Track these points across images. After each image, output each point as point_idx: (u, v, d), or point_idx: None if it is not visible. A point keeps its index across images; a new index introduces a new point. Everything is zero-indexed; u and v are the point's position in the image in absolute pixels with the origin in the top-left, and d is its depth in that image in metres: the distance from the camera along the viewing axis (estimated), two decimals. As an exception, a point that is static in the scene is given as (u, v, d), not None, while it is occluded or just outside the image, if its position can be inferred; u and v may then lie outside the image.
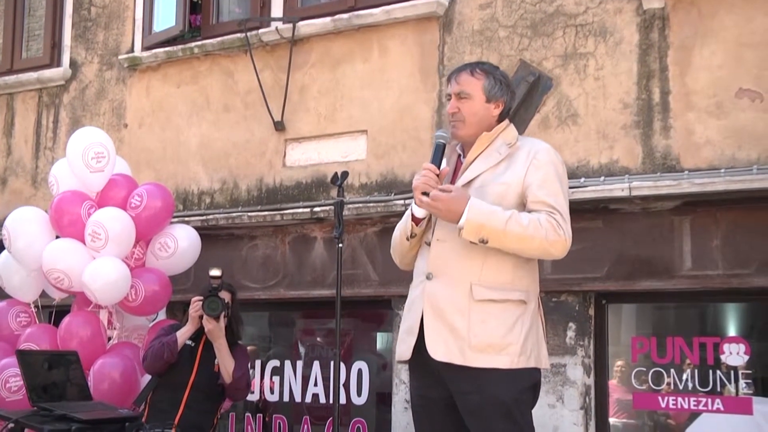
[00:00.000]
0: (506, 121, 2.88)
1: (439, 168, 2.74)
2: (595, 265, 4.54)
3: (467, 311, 2.65)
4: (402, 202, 5.08)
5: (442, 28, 5.21)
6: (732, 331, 4.56)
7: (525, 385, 2.69)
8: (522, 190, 2.73)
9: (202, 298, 4.37)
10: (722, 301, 4.60)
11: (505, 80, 2.88)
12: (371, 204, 5.20)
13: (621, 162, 4.59)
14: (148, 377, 4.58)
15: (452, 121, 2.85)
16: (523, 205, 2.74)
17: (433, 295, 2.70)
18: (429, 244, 2.77)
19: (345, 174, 4.27)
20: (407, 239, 2.85)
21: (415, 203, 2.77)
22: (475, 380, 2.64)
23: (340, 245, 4.09)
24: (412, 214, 2.83)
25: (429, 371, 2.74)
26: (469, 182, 2.77)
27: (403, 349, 2.79)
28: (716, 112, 4.44)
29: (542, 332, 2.80)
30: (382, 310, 5.44)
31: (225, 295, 4.42)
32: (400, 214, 4.90)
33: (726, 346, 4.41)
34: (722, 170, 4.30)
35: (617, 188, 4.46)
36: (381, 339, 5.64)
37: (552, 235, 2.65)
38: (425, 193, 2.70)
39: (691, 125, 4.49)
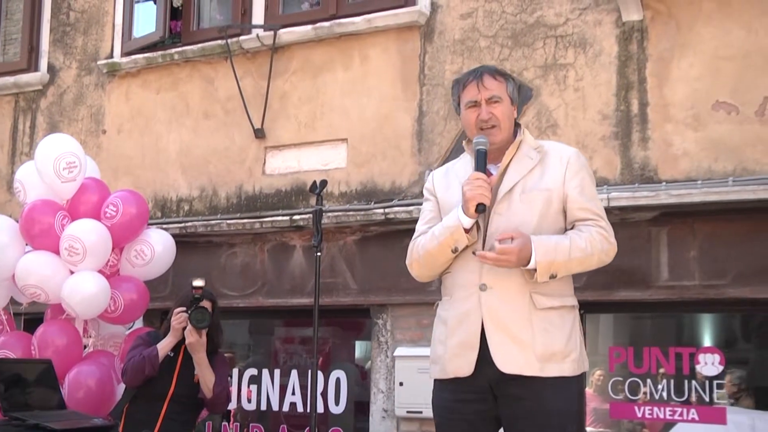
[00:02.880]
0: (522, 127, 2.87)
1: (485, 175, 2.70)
2: (573, 275, 4.54)
3: (530, 321, 2.62)
4: (382, 210, 5.10)
5: (423, 37, 5.24)
6: (708, 341, 4.61)
7: (582, 389, 2.74)
8: (563, 194, 2.72)
9: (185, 309, 4.30)
10: (698, 311, 4.64)
11: (518, 84, 2.92)
12: (351, 212, 5.20)
13: (600, 173, 4.61)
14: (123, 385, 4.49)
15: (486, 128, 2.75)
16: (563, 212, 2.73)
17: (493, 307, 2.64)
18: (474, 254, 2.68)
19: (324, 182, 4.29)
20: (452, 252, 2.69)
21: (465, 213, 2.64)
22: (542, 390, 2.60)
23: (319, 254, 4.12)
24: (459, 228, 2.68)
25: (476, 386, 2.66)
26: (509, 190, 2.72)
27: (462, 364, 2.66)
28: (693, 124, 4.49)
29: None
30: (360, 319, 5.44)
31: (206, 304, 4.34)
32: (380, 223, 5.16)
33: (701, 357, 4.45)
34: (699, 182, 4.35)
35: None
36: (360, 348, 5.64)
37: (606, 246, 2.70)
38: (480, 208, 2.62)
39: (668, 137, 4.54)
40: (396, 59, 5.32)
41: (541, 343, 2.61)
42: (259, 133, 5.63)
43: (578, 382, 2.69)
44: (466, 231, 2.67)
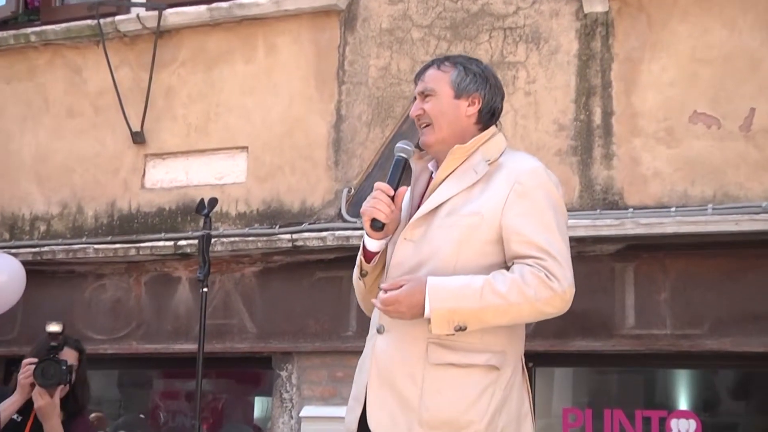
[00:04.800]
0: (492, 129, 2.73)
1: (396, 188, 2.62)
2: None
3: (420, 377, 2.53)
4: (289, 236, 4.99)
5: (344, 24, 5.20)
6: (682, 403, 4.61)
7: None
8: (499, 224, 2.57)
9: (35, 361, 4.02)
10: (670, 366, 4.63)
11: (483, 72, 2.74)
12: (250, 238, 5.11)
13: None
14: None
15: (419, 126, 2.74)
16: (500, 243, 2.59)
17: (382, 355, 2.60)
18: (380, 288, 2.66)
19: (213, 201, 4.16)
20: (359, 278, 2.75)
21: (366, 233, 2.67)
22: None
23: (205, 289, 3.98)
24: (364, 247, 2.71)
25: None
26: (437, 208, 2.62)
27: (350, 419, 2.67)
28: (666, 138, 4.48)
29: (527, 407, 2.66)
30: (260, 370, 5.37)
31: (69, 355, 4.09)
32: (286, 252, 5.15)
33: (674, 422, 4.44)
34: (672, 209, 4.33)
35: (549, 227, 4.50)
36: (259, 405, 5.58)
37: (543, 292, 2.47)
38: (377, 225, 2.60)
39: (636, 153, 4.51)
40: (309, 51, 5.26)
41: (429, 406, 2.51)
42: (138, 138, 5.52)
43: None
44: (372, 254, 2.68)
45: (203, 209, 4.11)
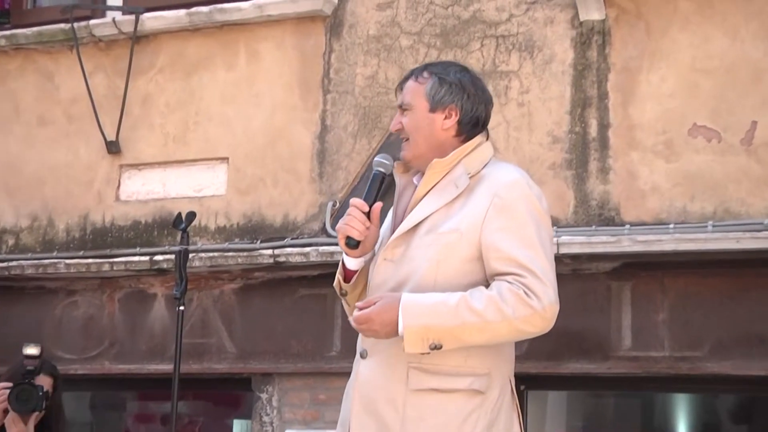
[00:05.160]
0: (476, 140, 2.71)
1: (371, 205, 2.62)
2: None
3: (402, 404, 2.54)
4: (270, 252, 4.96)
5: (329, 31, 5.19)
6: (681, 429, 4.73)
7: None
8: (478, 240, 2.56)
9: (10, 385, 3.99)
10: (669, 390, 4.69)
11: (461, 82, 2.71)
12: (230, 253, 5.08)
13: None
14: None
15: (403, 141, 2.74)
16: (480, 260, 2.58)
17: (364, 380, 2.62)
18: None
19: (192, 215, 4.15)
20: (340, 295, 2.78)
21: (344, 252, 2.69)
22: None
23: (182, 308, 3.99)
24: (343, 265, 2.73)
25: None
26: (417, 226, 2.62)
27: None
28: (665, 152, 4.46)
29: (516, 430, 2.65)
30: (239, 392, 5.36)
31: (44, 381, 4.07)
32: (267, 268, 5.11)
33: None
34: (671, 225, 4.31)
35: (542, 243, 4.49)
36: (238, 428, 5.59)
37: (522, 310, 2.46)
38: (351, 243, 2.61)
39: (634, 167, 4.50)
40: (294, 58, 5.25)
41: None
42: (113, 147, 5.49)
43: None
44: (351, 272, 2.70)
45: (181, 223, 4.09)
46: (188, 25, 5.39)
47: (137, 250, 5.31)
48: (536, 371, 4.44)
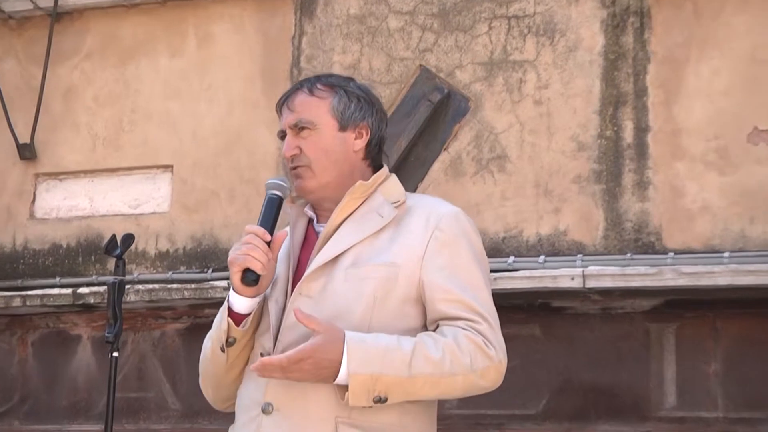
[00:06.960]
0: (384, 168, 2.77)
1: (271, 233, 2.58)
2: (527, 396, 4.62)
3: None
4: (225, 283, 4.91)
5: (300, 9, 5.26)
6: None
7: None
8: (418, 278, 2.59)
9: None
10: None
11: (367, 95, 2.78)
12: (174, 285, 5.12)
13: (571, 234, 4.69)
14: None
15: (293, 169, 2.69)
16: (419, 303, 2.61)
17: None
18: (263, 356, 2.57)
19: (128, 238, 4.10)
20: (222, 350, 2.65)
21: (233, 289, 2.60)
22: None
23: (115, 354, 3.93)
24: (230, 308, 2.65)
25: None
26: (336, 258, 2.62)
27: None
28: (718, 162, 4.49)
29: None
30: None
31: None
32: (220, 303, 4.72)
33: None
34: (726, 254, 4.34)
35: (564, 275, 4.52)
36: None
37: (480, 361, 2.52)
38: (250, 278, 2.55)
39: (679, 182, 4.55)
40: (256, 43, 5.32)
41: None
42: (27, 152, 5.51)
43: None
44: (241, 317, 2.62)
45: (115, 248, 4.06)
46: (122, 1, 5.40)
47: (57, 280, 5.30)
48: (558, 433, 4.32)
